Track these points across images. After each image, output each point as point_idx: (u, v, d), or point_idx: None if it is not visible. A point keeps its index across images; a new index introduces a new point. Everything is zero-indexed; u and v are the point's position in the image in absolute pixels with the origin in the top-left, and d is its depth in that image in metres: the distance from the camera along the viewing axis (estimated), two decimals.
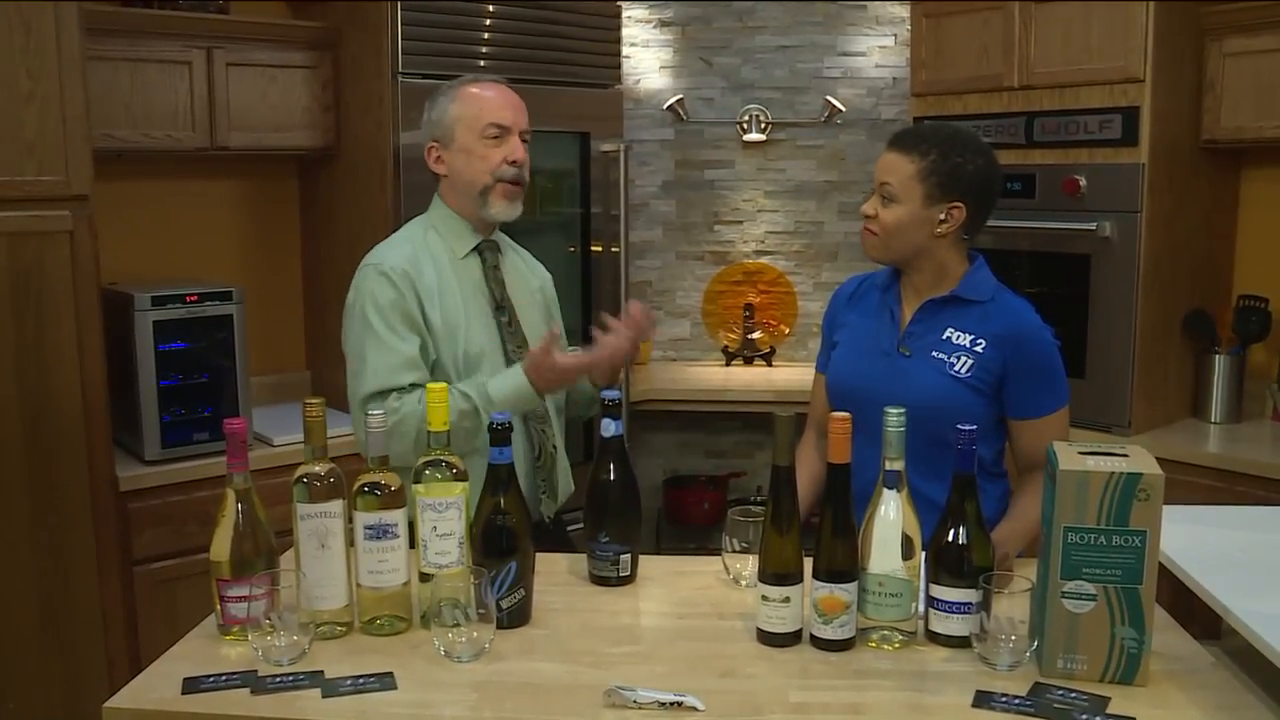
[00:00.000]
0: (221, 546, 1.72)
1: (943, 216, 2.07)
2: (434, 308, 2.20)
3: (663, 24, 4.43)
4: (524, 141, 2.27)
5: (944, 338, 2.11)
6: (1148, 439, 3.23)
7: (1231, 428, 3.44)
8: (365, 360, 2.16)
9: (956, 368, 2.08)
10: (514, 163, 2.24)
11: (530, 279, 2.45)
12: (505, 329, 2.28)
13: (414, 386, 2.13)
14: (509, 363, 2.26)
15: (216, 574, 1.73)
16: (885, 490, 1.71)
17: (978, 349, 2.08)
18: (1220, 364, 3.46)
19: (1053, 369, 2.11)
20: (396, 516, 1.74)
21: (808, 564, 1.71)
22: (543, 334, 2.37)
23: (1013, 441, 2.16)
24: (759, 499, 4.24)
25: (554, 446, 2.34)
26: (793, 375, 4.23)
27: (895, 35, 4.34)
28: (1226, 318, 3.50)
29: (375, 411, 1.76)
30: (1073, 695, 1.54)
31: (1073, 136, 3.39)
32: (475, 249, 2.30)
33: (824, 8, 4.37)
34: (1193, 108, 3.37)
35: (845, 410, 1.73)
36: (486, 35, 3.53)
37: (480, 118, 2.22)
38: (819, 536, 1.69)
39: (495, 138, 2.23)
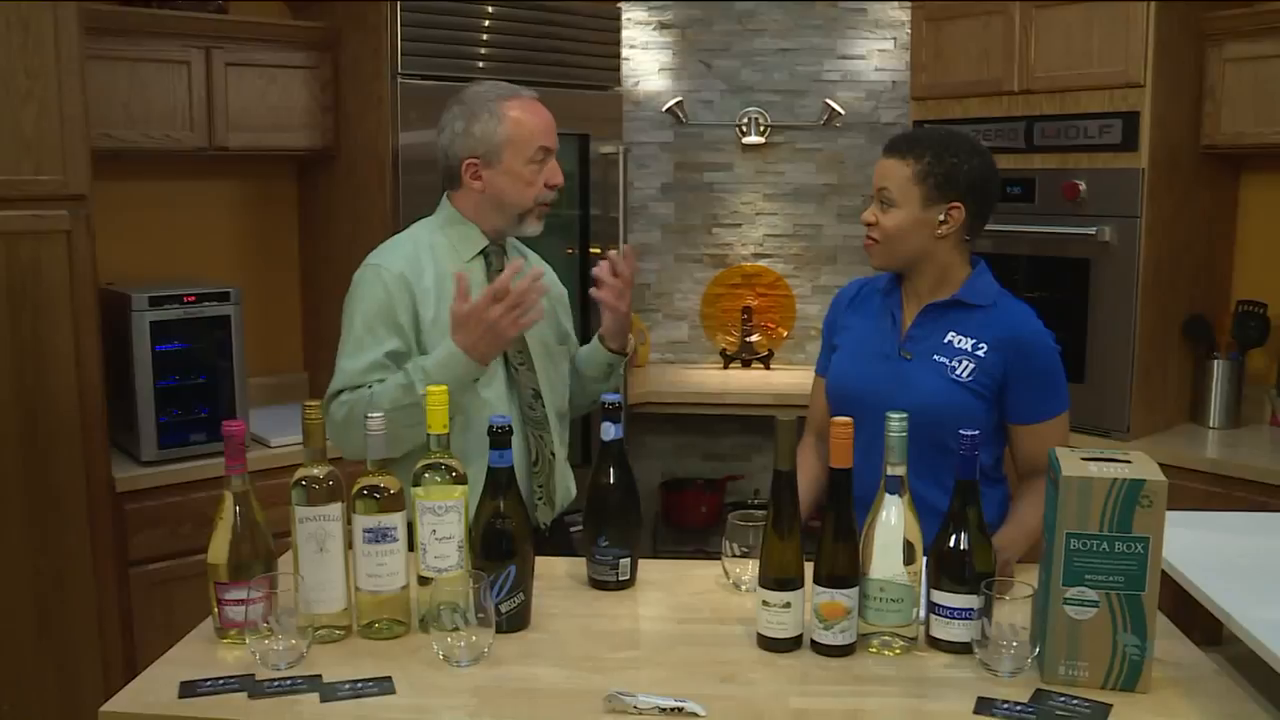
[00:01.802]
0: (219, 549, 1.71)
1: (942, 218, 2.07)
2: (429, 308, 2.19)
3: (662, 26, 4.43)
4: None
5: (945, 341, 2.11)
6: (1146, 444, 3.23)
7: (1230, 433, 3.44)
8: (343, 357, 2.20)
9: (958, 371, 2.08)
10: (554, 186, 2.27)
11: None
12: None
13: (379, 383, 2.16)
14: (508, 367, 2.25)
15: (214, 577, 1.72)
16: (887, 495, 1.70)
17: (979, 353, 2.08)
18: (1219, 369, 3.45)
19: (1054, 374, 2.11)
20: (395, 520, 1.73)
21: (808, 569, 1.71)
22: (546, 340, 2.37)
23: (1013, 446, 2.16)
24: (756, 502, 4.23)
25: (552, 453, 2.32)
26: (791, 378, 4.23)
27: (895, 39, 4.33)
28: (1225, 323, 3.50)
29: (375, 415, 1.75)
30: (1074, 702, 1.53)
31: (1073, 141, 3.39)
32: (480, 252, 2.29)
33: (824, 11, 4.37)
34: (1193, 113, 3.37)
35: (845, 414, 1.73)
36: (486, 36, 3.52)
37: (531, 142, 2.22)
38: (820, 541, 1.69)
39: (541, 161, 2.24)
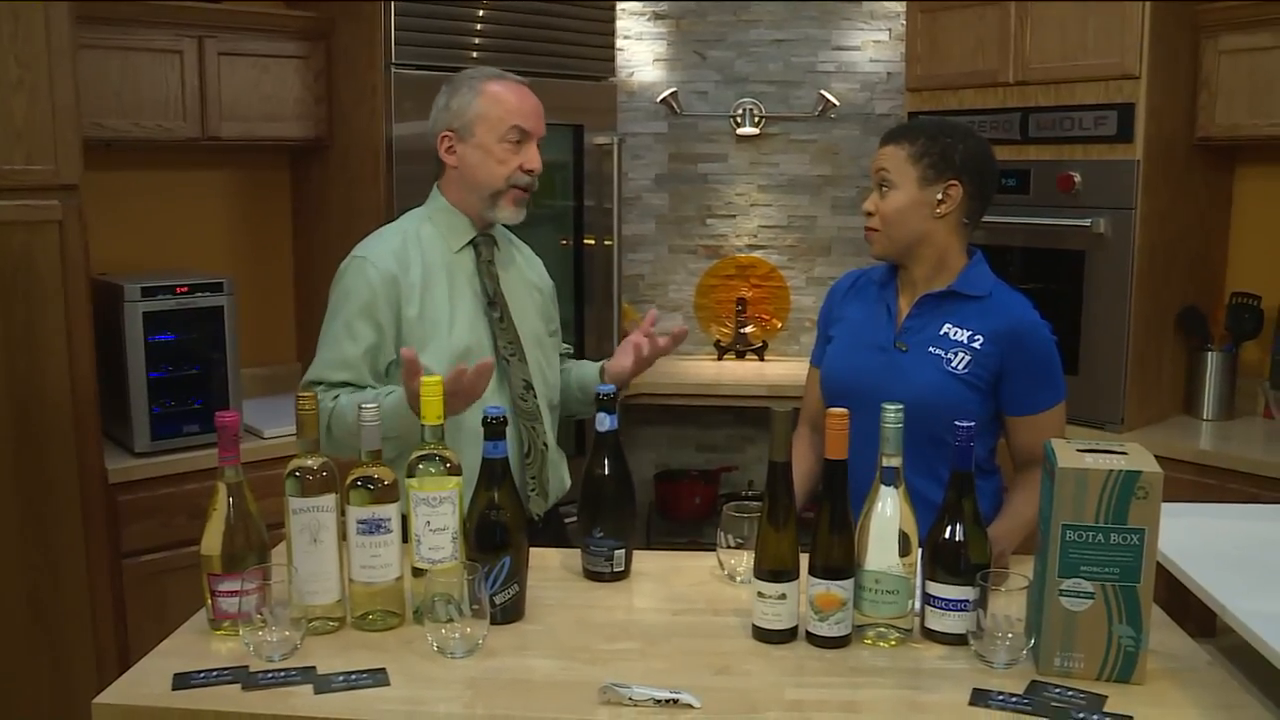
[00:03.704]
0: (212, 541, 1.71)
1: (940, 196, 2.08)
2: (413, 304, 2.18)
3: (657, 17, 4.42)
4: (539, 147, 2.25)
5: (941, 333, 2.10)
6: (1140, 435, 3.24)
7: (1223, 425, 3.45)
8: (319, 349, 2.22)
9: (953, 364, 2.07)
10: (530, 171, 2.22)
11: (529, 274, 2.42)
12: (496, 325, 2.25)
13: (344, 385, 2.17)
14: (499, 360, 2.25)
15: (207, 568, 1.71)
16: (882, 487, 1.70)
17: (975, 345, 2.08)
18: (1213, 361, 3.46)
19: (1050, 365, 2.11)
20: (389, 511, 1.73)
21: (804, 560, 1.70)
22: (537, 331, 2.36)
23: (1009, 437, 2.15)
24: (750, 493, 4.24)
25: (544, 444, 2.31)
26: (785, 370, 4.23)
27: (890, 30, 4.33)
28: (1219, 315, 3.51)
29: (369, 406, 1.74)
30: (1070, 693, 1.53)
31: (1068, 133, 3.39)
32: (470, 243, 2.27)
33: (819, 2, 4.36)
34: (1188, 105, 3.37)
35: (840, 405, 1.72)
36: (480, 26, 3.51)
37: (504, 119, 2.19)
38: (815, 533, 1.68)
39: (516, 142, 2.20)
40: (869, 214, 2.13)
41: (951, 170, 2.08)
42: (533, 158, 2.23)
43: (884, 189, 2.10)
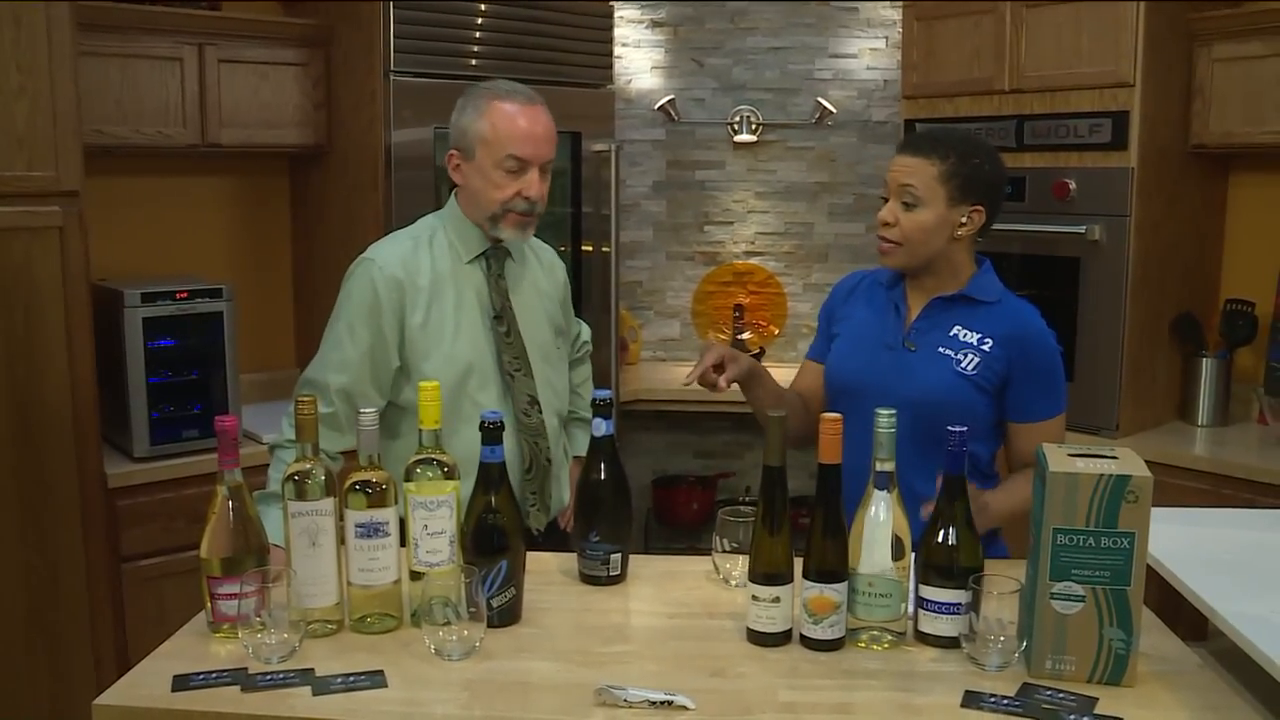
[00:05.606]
0: (212, 544, 1.72)
1: (963, 219, 2.07)
2: (417, 312, 2.18)
3: (655, 24, 4.44)
4: (545, 170, 2.21)
5: (951, 334, 2.11)
6: (1135, 441, 3.25)
7: (1218, 430, 3.46)
8: (321, 347, 2.24)
9: (963, 364, 2.08)
10: (528, 198, 2.18)
11: (544, 284, 2.38)
12: (502, 339, 2.24)
13: (339, 389, 2.18)
14: (501, 374, 2.25)
15: (207, 571, 1.73)
16: (875, 491, 1.71)
17: (984, 347, 2.08)
18: (1207, 367, 3.47)
19: (1055, 374, 2.12)
20: (387, 515, 1.74)
21: (798, 564, 1.72)
22: (546, 345, 2.34)
23: (1009, 443, 2.16)
24: (748, 499, 4.24)
25: (547, 459, 2.30)
26: (783, 375, 4.18)
27: (886, 37, 4.35)
28: (1214, 321, 3.52)
29: (367, 410, 1.76)
30: (1060, 696, 1.55)
31: (1063, 140, 3.40)
32: (481, 254, 2.26)
33: (815, 9, 4.38)
34: (1182, 112, 3.38)
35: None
36: (478, 34, 3.53)
37: (502, 147, 2.15)
38: (809, 537, 1.70)
39: (513, 170, 2.16)
40: (887, 224, 2.09)
41: (978, 194, 2.06)
42: (531, 184, 2.18)
43: (909, 205, 2.06)
